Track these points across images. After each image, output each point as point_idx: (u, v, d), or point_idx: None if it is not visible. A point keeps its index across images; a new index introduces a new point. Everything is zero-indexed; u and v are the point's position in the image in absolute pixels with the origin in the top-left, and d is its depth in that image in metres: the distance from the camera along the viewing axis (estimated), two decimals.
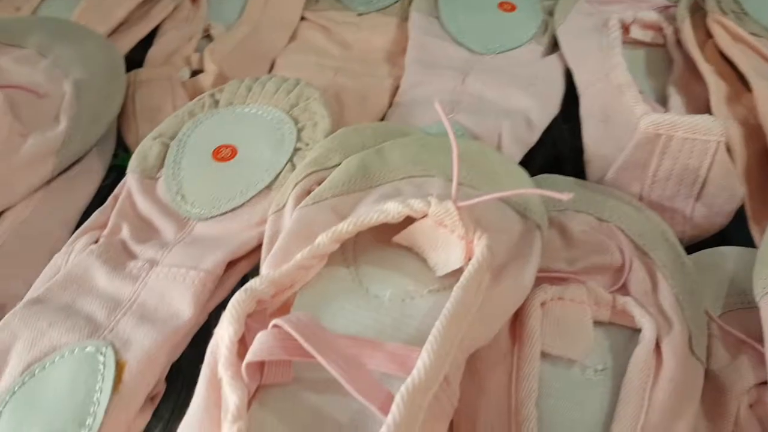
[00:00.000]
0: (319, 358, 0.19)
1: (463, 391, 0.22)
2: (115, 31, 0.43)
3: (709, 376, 0.24)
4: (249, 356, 0.20)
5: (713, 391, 0.23)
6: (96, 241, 0.28)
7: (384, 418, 0.18)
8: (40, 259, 0.30)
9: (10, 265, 0.29)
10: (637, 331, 0.24)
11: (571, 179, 0.31)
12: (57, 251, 0.30)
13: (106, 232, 0.29)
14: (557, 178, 0.31)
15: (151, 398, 0.24)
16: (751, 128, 0.35)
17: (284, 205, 0.28)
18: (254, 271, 0.27)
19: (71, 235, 0.31)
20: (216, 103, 0.35)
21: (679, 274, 0.26)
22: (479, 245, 0.23)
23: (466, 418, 0.22)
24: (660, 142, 0.29)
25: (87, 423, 0.21)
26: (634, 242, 0.27)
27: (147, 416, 0.23)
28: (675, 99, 0.37)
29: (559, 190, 0.29)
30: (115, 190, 0.32)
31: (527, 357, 0.23)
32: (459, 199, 0.25)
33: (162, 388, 0.25)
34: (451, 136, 0.24)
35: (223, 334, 0.20)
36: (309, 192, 0.28)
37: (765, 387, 0.23)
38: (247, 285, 0.22)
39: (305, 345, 0.20)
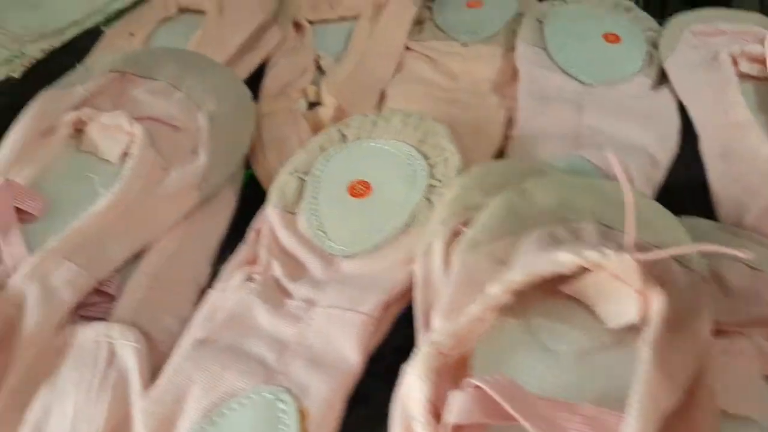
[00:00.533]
0: (523, 422, 0.19)
1: None
2: (229, 61, 0.44)
3: None
4: (452, 418, 0.20)
5: None
6: (248, 278, 0.29)
7: None
8: (188, 293, 0.31)
9: (161, 299, 0.30)
10: None
11: (713, 223, 0.30)
12: (201, 284, 0.31)
13: (260, 269, 0.29)
14: (700, 221, 0.30)
15: None
16: None
17: (430, 247, 0.28)
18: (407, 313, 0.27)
19: (211, 267, 0.32)
20: (344, 137, 0.35)
21: None
22: (657, 300, 0.23)
23: None
24: None
25: None
26: None
27: None
28: None
29: (704, 234, 0.29)
30: (254, 224, 0.32)
31: (706, 415, 0.22)
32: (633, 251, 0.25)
33: None
34: (625, 186, 0.24)
35: (416, 392, 0.20)
36: (455, 233, 0.28)
37: None
38: (432, 339, 0.22)
39: (508, 407, 0.19)
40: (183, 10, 0.48)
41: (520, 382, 0.22)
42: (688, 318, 0.23)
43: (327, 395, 0.23)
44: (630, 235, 0.23)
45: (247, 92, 0.38)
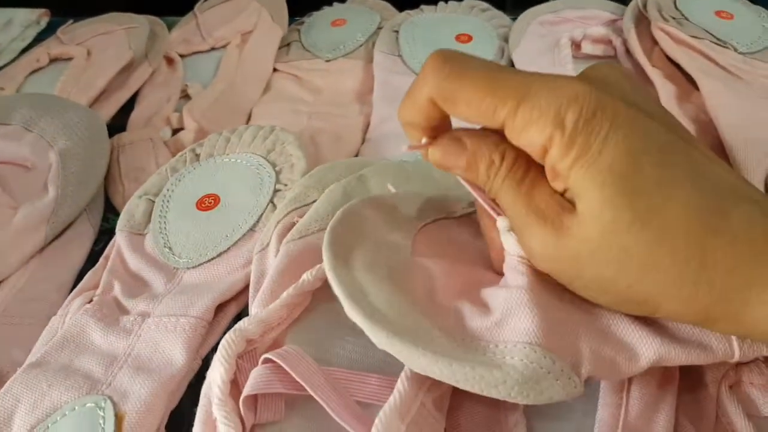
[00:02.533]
0: (308, 388, 0.20)
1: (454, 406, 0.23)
2: (96, 101, 0.45)
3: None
4: (246, 391, 0.21)
5: (691, 375, 0.24)
6: (89, 301, 0.29)
7: None
8: (38, 325, 0.31)
9: (9, 333, 0.30)
10: None
11: None
12: (52, 315, 0.31)
13: (98, 291, 0.29)
14: None
15: None
16: (702, 124, 0.37)
17: (268, 244, 0.28)
18: (245, 313, 0.28)
19: (64, 298, 0.32)
20: (197, 156, 0.36)
21: None
22: None
23: None
24: None
25: None
26: None
27: None
28: None
29: None
30: (106, 251, 0.33)
31: None
32: None
33: None
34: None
35: (215, 374, 0.21)
36: (291, 228, 0.29)
37: (744, 366, 0.24)
38: (237, 326, 0.23)
39: (296, 376, 0.20)
40: (54, 60, 0.49)
41: (332, 359, 0.23)
42: None
43: (146, 398, 0.23)
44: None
45: (101, 127, 0.39)
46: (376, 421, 0.19)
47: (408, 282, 0.22)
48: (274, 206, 0.32)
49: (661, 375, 0.22)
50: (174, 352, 0.25)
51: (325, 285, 0.26)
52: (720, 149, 0.35)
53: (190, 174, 0.35)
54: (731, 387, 0.23)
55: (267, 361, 0.21)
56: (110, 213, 0.38)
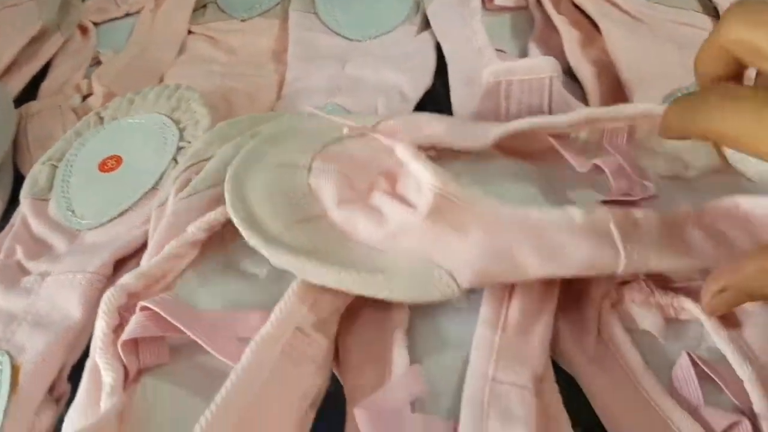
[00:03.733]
0: (183, 328, 0.21)
1: (344, 333, 0.24)
2: (6, 73, 0.43)
3: (570, 281, 0.26)
4: (123, 336, 0.21)
5: (574, 294, 0.25)
6: None
7: None
8: None
9: None
10: None
11: None
12: None
13: (1, 255, 0.29)
14: None
15: (56, 400, 0.25)
16: (603, 65, 0.38)
17: (166, 200, 0.29)
18: None
19: None
20: (101, 120, 0.36)
21: None
22: None
23: (346, 354, 0.24)
24: (502, 88, 0.31)
25: None
26: None
27: (52, 415, 0.24)
28: (534, 52, 0.39)
29: None
30: (12, 219, 0.33)
31: None
32: None
33: (66, 389, 0.25)
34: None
35: (97, 326, 0.22)
36: (188, 183, 0.29)
37: (626, 286, 0.25)
38: (119, 281, 0.23)
39: (169, 318, 0.21)
40: None
41: (218, 305, 0.24)
42: None
43: (42, 349, 0.24)
44: None
45: (5, 97, 0.38)
46: (247, 348, 0.20)
47: (305, 202, 0.24)
48: (177, 164, 0.32)
49: (542, 288, 0.24)
50: (70, 307, 0.25)
51: (218, 238, 0.27)
52: (620, 89, 0.36)
53: (94, 137, 0.35)
54: (613, 306, 0.25)
55: (142, 308, 0.22)
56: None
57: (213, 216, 0.25)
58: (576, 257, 0.22)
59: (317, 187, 0.25)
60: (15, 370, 0.23)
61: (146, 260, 0.25)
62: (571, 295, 0.26)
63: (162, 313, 0.21)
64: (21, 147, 0.38)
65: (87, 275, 0.26)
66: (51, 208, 0.32)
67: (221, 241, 0.26)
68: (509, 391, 0.21)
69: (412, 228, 0.23)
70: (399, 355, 0.22)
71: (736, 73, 0.20)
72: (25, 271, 0.28)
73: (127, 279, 0.23)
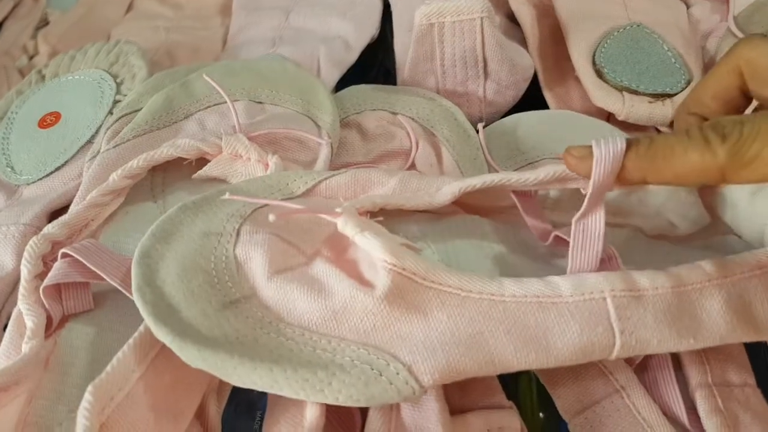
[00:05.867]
0: (102, 274, 0.20)
1: None
2: None
3: None
4: (45, 282, 0.21)
5: None
6: None
7: None
8: None
9: None
10: None
11: (370, 86, 0.32)
12: None
13: None
14: (359, 87, 0.32)
15: None
16: (542, 8, 0.37)
17: (98, 152, 0.28)
18: None
19: None
20: (43, 77, 0.34)
21: (462, 145, 0.28)
22: (271, 162, 0.24)
23: None
24: (435, 31, 0.30)
25: None
26: (422, 125, 0.28)
27: None
28: None
29: (358, 97, 0.31)
30: None
31: None
32: (259, 122, 0.27)
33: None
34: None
35: (21, 273, 0.21)
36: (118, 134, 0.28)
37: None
38: (43, 230, 0.23)
39: (89, 264, 0.21)
40: None
41: None
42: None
43: None
44: (236, 114, 0.25)
45: None
46: None
47: (229, 281, 0.19)
48: (112, 115, 0.31)
49: None
50: (4, 258, 0.25)
51: (149, 187, 0.26)
52: (559, 33, 0.35)
53: (35, 95, 0.33)
54: None
55: (66, 255, 0.22)
56: None
57: (135, 164, 0.24)
58: (563, 344, 0.17)
59: (245, 259, 0.19)
60: None
61: (69, 210, 0.24)
62: None
63: (81, 259, 0.21)
64: None
65: (20, 227, 0.26)
66: None
67: (148, 187, 0.26)
68: None
69: (362, 308, 0.17)
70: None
71: (735, 107, 0.19)
72: None
73: (50, 228, 0.22)
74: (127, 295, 0.20)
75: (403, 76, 0.33)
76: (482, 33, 0.29)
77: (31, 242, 0.22)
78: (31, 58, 0.40)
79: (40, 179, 0.29)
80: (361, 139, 0.28)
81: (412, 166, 0.27)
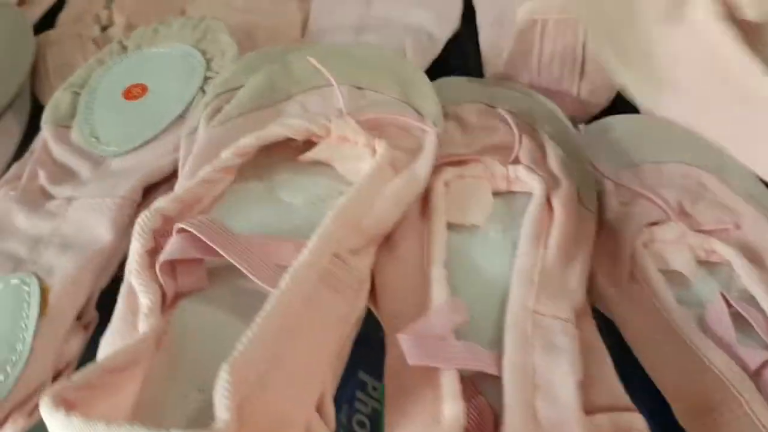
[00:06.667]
0: (220, 251, 0.19)
1: (383, 263, 0.23)
2: (23, 2, 0.40)
3: (605, 224, 0.25)
4: (161, 257, 0.20)
5: (609, 236, 0.24)
6: (12, 190, 0.27)
7: None
8: None
9: None
10: (531, 194, 0.25)
11: (465, 78, 0.31)
12: None
13: (23, 179, 0.27)
14: (453, 79, 0.31)
15: (84, 326, 0.24)
16: None
17: (196, 128, 0.27)
18: None
19: None
20: (124, 48, 0.33)
21: (564, 142, 0.27)
22: (380, 146, 0.23)
23: (385, 284, 0.23)
24: (537, 27, 0.29)
25: (17, 348, 0.21)
26: (522, 120, 0.27)
27: (80, 341, 0.23)
28: None
29: (454, 88, 0.30)
30: (32, 146, 0.31)
31: (435, 227, 0.23)
32: (361, 107, 0.26)
33: (94, 315, 0.24)
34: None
35: (132, 248, 0.20)
36: (218, 111, 0.27)
37: (656, 226, 0.24)
38: (154, 204, 0.22)
39: (207, 240, 0.20)
40: None
41: (250, 229, 0.23)
42: (414, 159, 0.24)
43: (71, 271, 0.22)
44: (342, 97, 0.24)
45: (24, 23, 0.36)
46: (285, 274, 0.18)
47: None
48: (204, 93, 0.30)
49: (579, 225, 0.23)
50: (100, 230, 0.24)
51: (254, 167, 0.26)
52: None
53: (117, 65, 0.32)
54: (645, 245, 0.24)
55: (179, 230, 0.21)
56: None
57: (247, 141, 0.24)
58: None
59: None
60: (44, 291, 0.22)
61: (180, 186, 0.23)
62: (604, 234, 0.25)
63: (199, 235, 0.20)
64: (40, 75, 0.35)
65: (116, 200, 0.25)
66: (73, 135, 0.30)
67: (255, 168, 0.25)
68: (552, 323, 0.20)
69: None
70: (439, 287, 0.21)
71: None
72: (48, 196, 0.27)
73: (161, 203, 0.21)
74: (247, 273, 0.20)
75: (495, 70, 0.32)
76: (585, 32, 0.28)
77: (143, 216, 0.21)
78: (104, 28, 0.39)
79: (129, 152, 0.28)
80: (461, 131, 0.27)
81: (516, 161, 0.26)
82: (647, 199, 0.25)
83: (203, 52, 0.32)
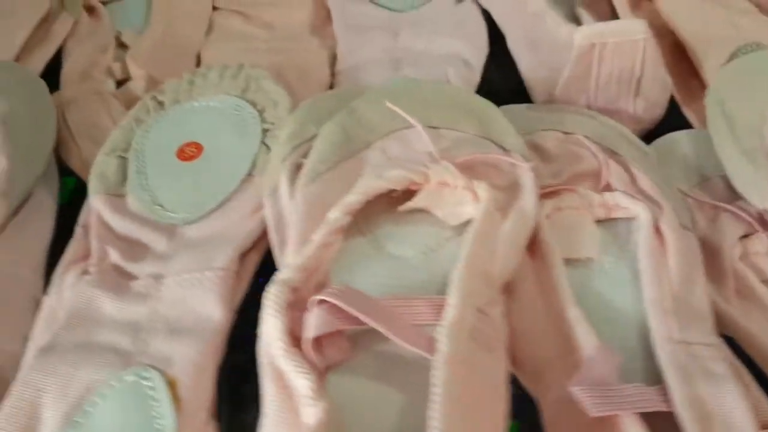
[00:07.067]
0: (364, 318, 0.19)
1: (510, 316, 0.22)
2: (18, 58, 0.37)
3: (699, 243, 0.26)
4: (309, 334, 0.19)
5: (707, 255, 0.25)
6: (83, 273, 0.25)
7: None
8: (18, 308, 0.26)
9: None
10: (631, 219, 0.25)
11: (524, 105, 0.31)
12: (33, 296, 0.27)
13: (93, 261, 0.25)
14: (513, 107, 0.31)
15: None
16: (656, 29, 0.37)
17: (277, 186, 0.26)
18: (269, 259, 0.25)
19: (41, 276, 0.28)
20: (161, 104, 0.31)
21: (646, 162, 0.27)
22: (481, 189, 0.23)
23: (513, 331, 0.22)
24: (596, 52, 0.29)
25: None
26: (600, 145, 0.28)
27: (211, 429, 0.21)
28: (586, 19, 0.38)
29: (519, 117, 0.30)
30: (81, 219, 0.28)
31: (552, 265, 0.23)
32: (445, 148, 0.25)
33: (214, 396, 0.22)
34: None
35: (271, 330, 0.19)
36: (297, 167, 0.26)
37: (747, 239, 0.25)
38: (277, 278, 0.20)
39: (352, 311, 0.19)
40: None
41: (369, 290, 0.22)
42: (512, 197, 0.24)
43: (194, 358, 0.21)
44: (432, 147, 0.24)
45: (40, 84, 0.33)
46: (439, 334, 0.18)
47: None
48: (267, 147, 0.28)
49: (689, 255, 0.23)
50: (208, 308, 0.22)
51: (353, 222, 0.25)
52: (681, 51, 0.35)
53: (159, 123, 0.30)
54: (740, 258, 0.25)
55: (319, 302, 0.20)
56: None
57: (353, 198, 0.23)
58: None
59: None
60: (172, 385, 0.20)
61: (293, 253, 0.22)
62: (707, 248, 0.25)
63: (343, 305, 0.19)
64: (64, 138, 0.33)
65: (217, 272, 0.23)
66: (130, 203, 0.27)
67: (355, 224, 0.24)
68: (702, 351, 0.20)
69: None
70: (582, 328, 0.21)
71: None
72: (127, 275, 0.25)
73: (288, 275, 0.20)
74: (394, 339, 0.19)
75: (544, 96, 0.32)
76: (644, 53, 0.29)
77: (273, 292, 0.20)
78: (119, 82, 0.36)
79: (202, 217, 0.26)
80: (543, 161, 0.28)
81: (608, 188, 0.26)
82: (731, 213, 0.26)
83: (252, 104, 0.30)
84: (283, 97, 0.30)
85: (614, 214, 0.26)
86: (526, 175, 0.25)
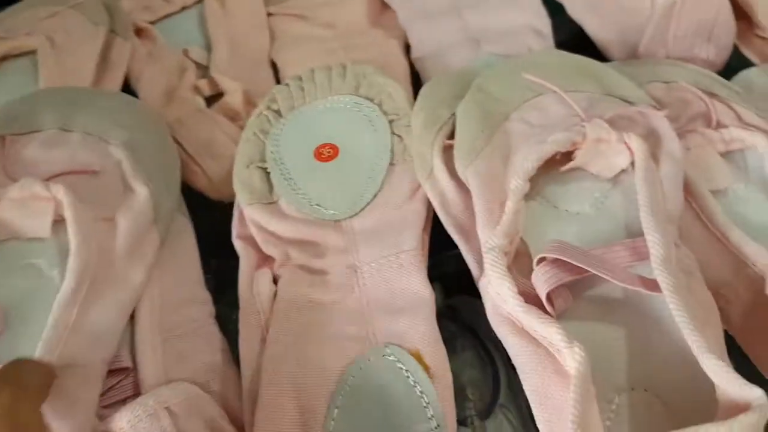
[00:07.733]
0: (591, 269, 0.21)
1: None
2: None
3: None
4: (545, 289, 0.21)
5: None
6: (273, 281, 0.26)
7: (650, 293, 0.20)
8: (205, 324, 0.27)
9: (184, 343, 0.26)
10: (743, 150, 0.28)
11: (613, 63, 0.34)
12: (211, 309, 0.28)
13: (276, 265, 0.26)
14: (614, 64, 0.34)
15: None
16: None
17: (432, 168, 0.27)
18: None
19: (207, 292, 0.29)
20: (278, 113, 0.32)
21: (740, 99, 0.31)
22: (634, 140, 0.25)
23: None
24: (677, 6, 0.32)
25: (428, 415, 0.21)
26: (700, 88, 0.31)
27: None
28: None
29: (622, 71, 0.32)
30: (236, 231, 0.29)
31: (703, 196, 0.26)
32: (585, 108, 0.27)
33: None
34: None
35: (504, 290, 0.21)
36: (446, 148, 0.28)
37: None
38: (488, 245, 0.22)
39: (573, 261, 0.21)
40: (2, 59, 0.39)
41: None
42: (653, 145, 0.26)
43: (425, 330, 0.23)
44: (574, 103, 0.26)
45: (147, 106, 0.33)
46: (656, 273, 0.20)
47: None
48: (399, 137, 0.30)
49: None
50: (414, 285, 0.24)
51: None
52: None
53: (286, 131, 0.31)
54: None
55: (539, 261, 0.22)
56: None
57: (529, 165, 0.25)
58: None
59: None
60: (417, 357, 0.22)
61: (485, 229, 0.24)
62: None
63: (566, 258, 0.21)
64: (182, 159, 0.33)
65: (409, 253, 0.25)
66: (286, 208, 0.29)
67: (532, 187, 0.26)
68: None
69: None
70: (752, 247, 0.24)
71: None
72: (318, 272, 0.26)
73: (495, 242, 0.22)
74: (615, 281, 0.21)
75: (624, 53, 0.35)
76: (719, 5, 0.32)
77: (492, 258, 0.22)
78: (210, 98, 0.37)
79: (362, 210, 0.28)
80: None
81: (720, 125, 0.29)
82: None
83: (369, 99, 0.32)
84: (396, 88, 0.32)
85: (731, 147, 0.29)
86: (662, 123, 0.27)
